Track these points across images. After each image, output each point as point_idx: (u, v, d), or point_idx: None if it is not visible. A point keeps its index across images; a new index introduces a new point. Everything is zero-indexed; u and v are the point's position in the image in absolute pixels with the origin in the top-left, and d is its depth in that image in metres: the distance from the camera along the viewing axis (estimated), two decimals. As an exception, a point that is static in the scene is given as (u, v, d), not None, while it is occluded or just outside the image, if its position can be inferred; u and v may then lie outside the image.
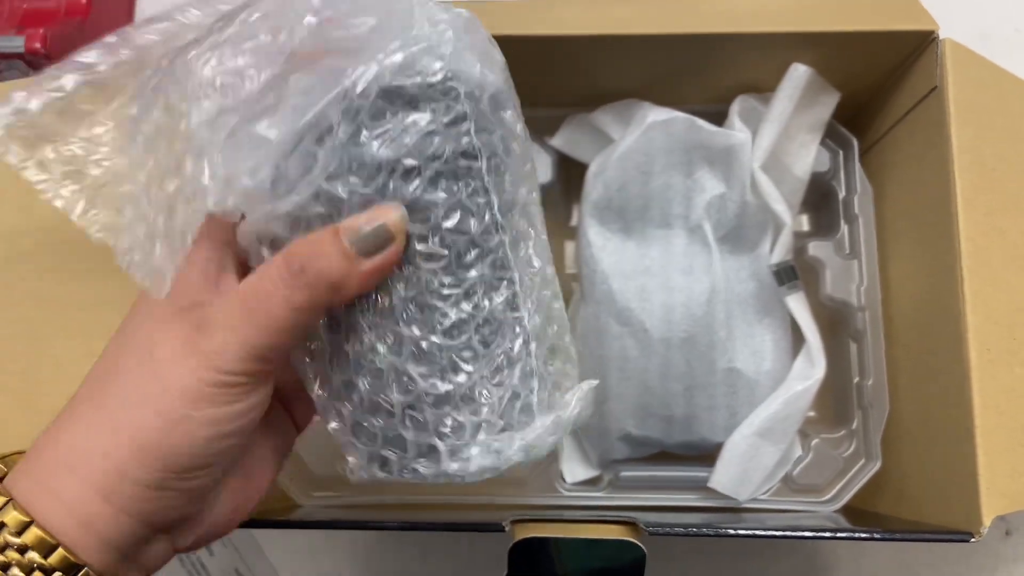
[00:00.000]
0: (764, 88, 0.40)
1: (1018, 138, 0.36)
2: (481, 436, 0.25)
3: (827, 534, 0.32)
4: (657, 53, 0.38)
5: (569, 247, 0.45)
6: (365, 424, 0.26)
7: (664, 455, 0.41)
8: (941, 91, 0.35)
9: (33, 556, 0.22)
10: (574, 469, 0.41)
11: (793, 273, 0.39)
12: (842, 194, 0.42)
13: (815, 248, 0.41)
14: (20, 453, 0.24)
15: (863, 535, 0.32)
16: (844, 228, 0.42)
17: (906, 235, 0.38)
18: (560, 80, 0.40)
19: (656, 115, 0.38)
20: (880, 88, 0.41)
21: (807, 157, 0.40)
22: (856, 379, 0.40)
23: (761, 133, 0.38)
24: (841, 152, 0.42)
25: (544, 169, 0.42)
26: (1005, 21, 0.54)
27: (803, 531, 0.32)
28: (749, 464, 0.37)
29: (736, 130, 0.39)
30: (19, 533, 0.22)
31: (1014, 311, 0.34)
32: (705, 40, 0.36)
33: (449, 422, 0.25)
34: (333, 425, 0.27)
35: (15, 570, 0.22)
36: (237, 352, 0.23)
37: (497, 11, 0.38)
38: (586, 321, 0.39)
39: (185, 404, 0.23)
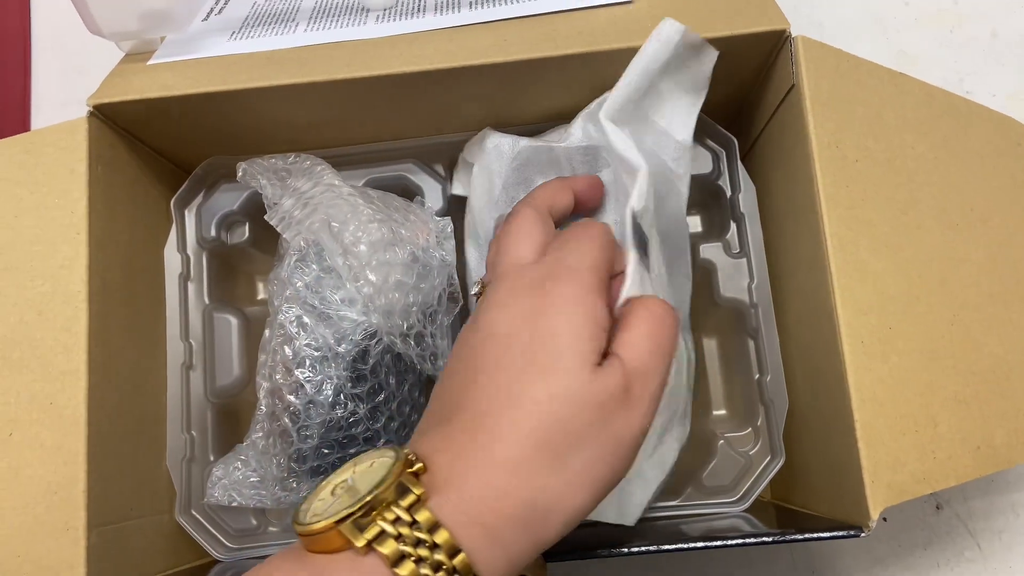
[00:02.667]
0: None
1: (880, 126, 0.36)
2: None
3: (716, 543, 0.32)
4: (517, 77, 0.38)
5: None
6: None
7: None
8: (798, 88, 0.35)
9: (441, 558, 0.23)
10: None
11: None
12: (728, 193, 0.42)
13: (706, 250, 0.41)
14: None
15: (751, 540, 0.33)
16: (733, 227, 0.42)
17: (787, 232, 0.39)
18: (433, 111, 0.40)
19: (497, 140, 0.39)
20: (752, 87, 0.41)
21: (687, 119, 0.38)
22: (757, 376, 0.41)
23: (616, 87, 0.36)
24: (724, 152, 0.42)
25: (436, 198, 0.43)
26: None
27: (687, 541, 0.33)
28: (624, 486, 0.36)
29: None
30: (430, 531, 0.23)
31: (886, 301, 0.34)
32: (564, 61, 0.37)
33: None
34: None
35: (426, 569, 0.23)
36: None
37: (359, 50, 0.38)
38: None
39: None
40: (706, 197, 0.44)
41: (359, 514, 0.23)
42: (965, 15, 0.55)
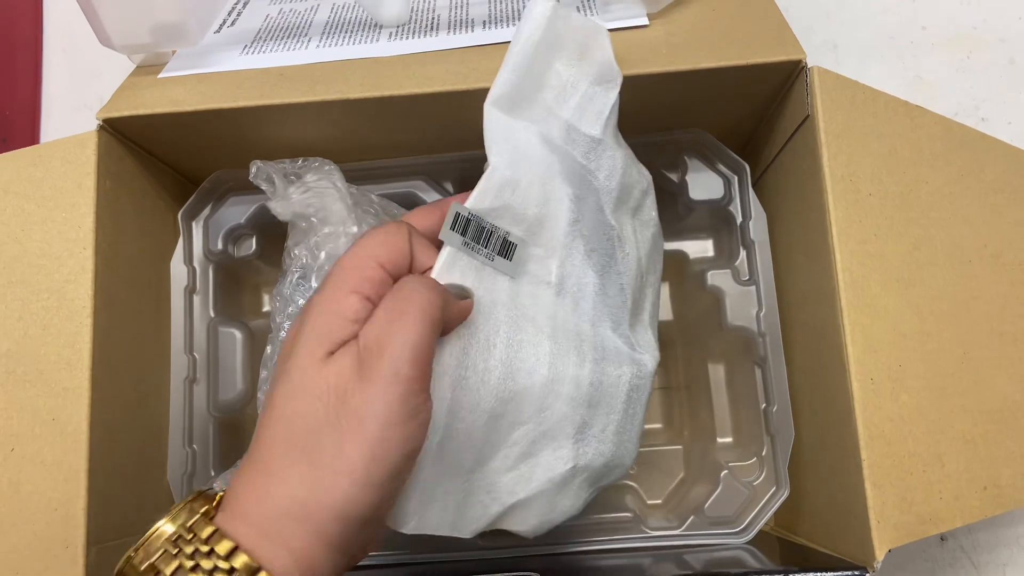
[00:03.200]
0: (648, 127, 0.40)
1: (894, 159, 0.35)
2: None
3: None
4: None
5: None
6: None
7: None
8: (813, 119, 0.35)
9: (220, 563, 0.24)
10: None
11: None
12: (739, 220, 0.41)
13: (713, 277, 0.41)
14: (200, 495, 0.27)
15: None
16: (742, 254, 0.41)
17: (797, 262, 0.38)
18: (444, 130, 0.40)
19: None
20: (765, 114, 0.40)
21: (600, 113, 0.34)
22: (763, 405, 0.40)
23: (499, 73, 0.32)
24: (736, 178, 0.42)
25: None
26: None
27: (690, 572, 0.32)
28: (463, 497, 0.33)
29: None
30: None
31: (897, 338, 0.34)
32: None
33: None
34: None
35: None
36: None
37: (372, 69, 0.38)
38: None
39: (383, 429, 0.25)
40: (717, 223, 0.43)
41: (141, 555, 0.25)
42: (983, 40, 0.54)
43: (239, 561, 0.24)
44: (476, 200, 0.31)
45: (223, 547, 0.24)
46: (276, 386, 0.27)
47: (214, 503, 0.26)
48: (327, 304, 0.27)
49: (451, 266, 0.30)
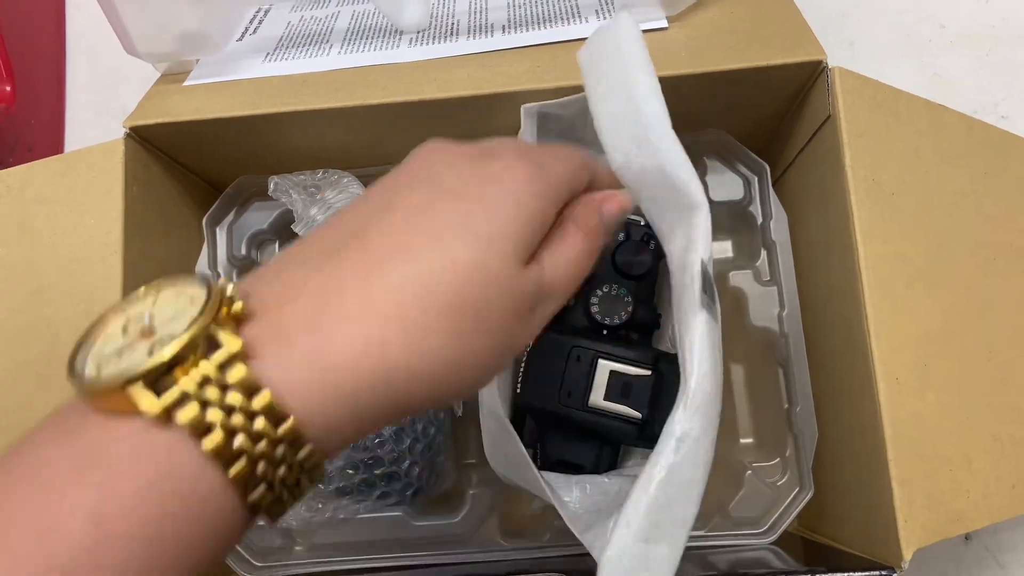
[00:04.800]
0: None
1: (917, 158, 0.35)
2: None
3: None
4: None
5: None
6: None
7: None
8: (834, 119, 0.35)
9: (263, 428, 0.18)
10: None
11: None
12: (759, 220, 0.42)
13: (735, 277, 0.41)
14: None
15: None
16: (763, 255, 0.41)
17: (819, 262, 0.38)
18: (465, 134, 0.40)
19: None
20: (786, 114, 0.41)
21: None
22: (786, 406, 0.40)
23: (649, 90, 0.29)
24: (756, 179, 0.42)
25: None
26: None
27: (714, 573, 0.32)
28: None
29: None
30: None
31: (922, 336, 0.34)
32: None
33: None
34: None
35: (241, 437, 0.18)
36: None
37: (390, 74, 0.38)
38: None
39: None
40: (737, 223, 0.43)
41: (154, 374, 0.18)
42: (1002, 38, 0.54)
43: (286, 428, 0.19)
44: (705, 248, 0.27)
45: (262, 402, 0.18)
46: (459, 236, 0.21)
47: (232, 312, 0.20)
48: (532, 203, 0.23)
49: (708, 336, 0.26)
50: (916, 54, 0.54)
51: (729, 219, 0.43)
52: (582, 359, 0.36)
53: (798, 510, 0.39)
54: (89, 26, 0.59)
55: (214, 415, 0.18)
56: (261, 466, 0.19)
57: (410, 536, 0.41)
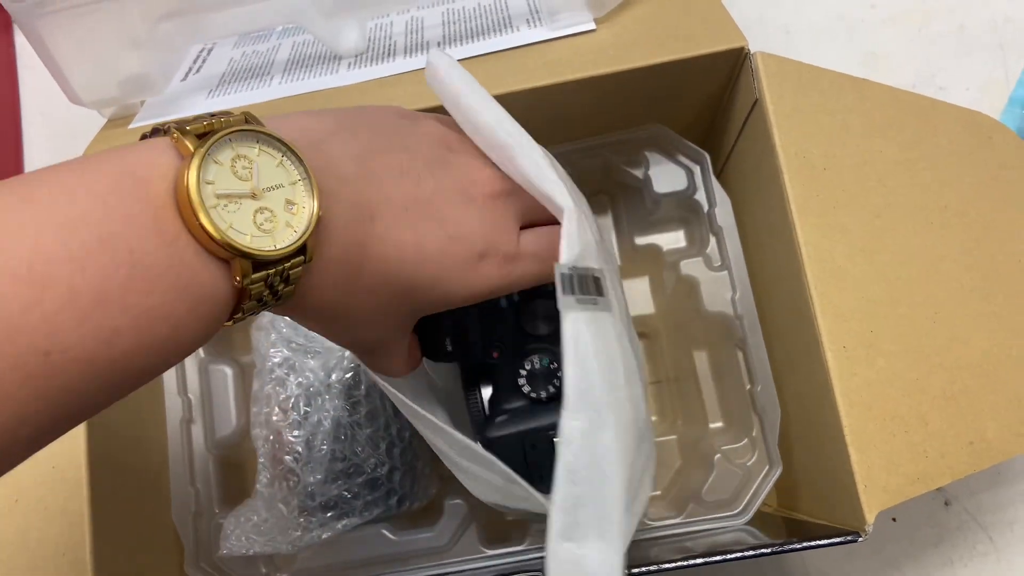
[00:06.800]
0: (611, 127, 0.41)
1: (846, 133, 0.36)
2: None
3: (716, 558, 0.33)
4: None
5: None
6: None
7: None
8: (761, 102, 0.36)
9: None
10: None
11: None
12: (706, 208, 0.42)
13: (687, 266, 0.42)
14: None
15: (749, 553, 0.33)
16: (712, 241, 0.42)
17: (764, 243, 0.39)
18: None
19: None
20: (720, 104, 0.42)
21: None
22: (748, 386, 0.41)
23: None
24: (699, 167, 0.43)
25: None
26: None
27: (688, 558, 0.33)
28: None
29: None
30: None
31: (866, 304, 0.34)
32: (533, 94, 0.37)
33: None
34: None
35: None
36: None
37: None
38: None
39: None
40: (685, 213, 0.44)
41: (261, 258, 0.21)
42: (932, 11, 0.56)
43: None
44: (568, 251, 0.27)
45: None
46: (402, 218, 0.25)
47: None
48: (495, 224, 0.27)
49: (580, 334, 0.26)
50: (850, 35, 0.56)
51: (677, 210, 0.44)
52: (538, 446, 0.33)
53: (768, 488, 0.39)
54: (41, 84, 0.60)
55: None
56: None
57: (391, 552, 0.41)
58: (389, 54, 0.42)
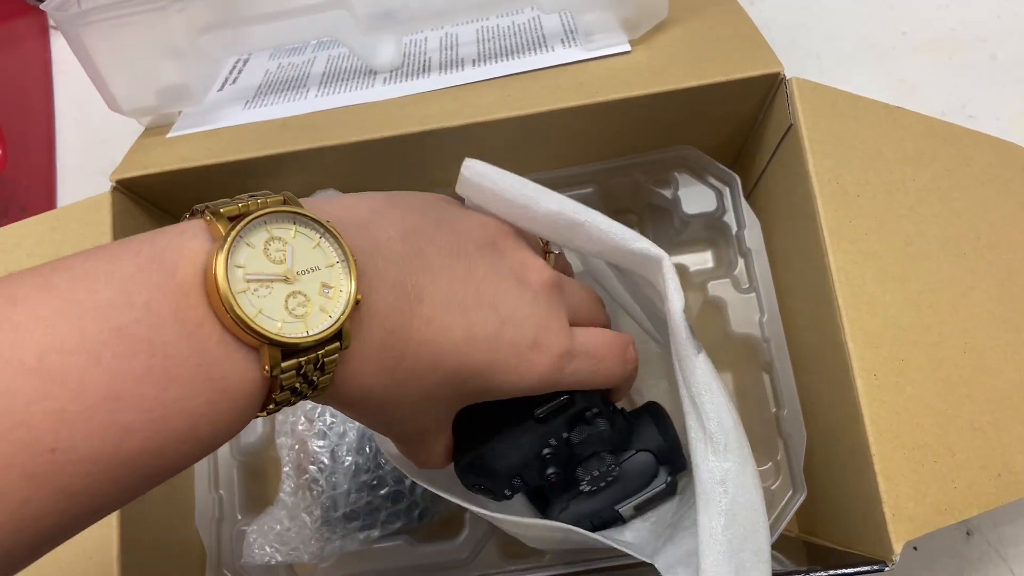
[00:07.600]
0: (642, 148, 0.41)
1: (879, 160, 0.36)
2: None
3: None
4: (522, 131, 0.39)
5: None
6: None
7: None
8: (796, 128, 0.36)
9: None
10: None
11: None
12: (734, 230, 0.42)
13: (715, 287, 0.42)
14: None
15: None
16: (741, 263, 0.42)
17: (794, 267, 0.39)
18: (442, 166, 0.42)
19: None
20: (752, 127, 0.42)
21: None
22: (774, 409, 0.41)
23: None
24: (728, 189, 0.43)
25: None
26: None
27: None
28: None
29: None
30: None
31: (897, 332, 0.34)
32: (567, 113, 0.38)
33: None
34: None
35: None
36: None
37: (368, 113, 0.39)
38: None
39: None
40: (713, 234, 0.44)
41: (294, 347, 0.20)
42: (963, 40, 0.56)
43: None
44: (679, 299, 0.28)
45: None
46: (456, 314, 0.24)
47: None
48: (549, 313, 0.27)
49: (711, 376, 0.28)
50: (881, 62, 0.56)
51: (705, 231, 0.44)
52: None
53: (791, 513, 0.39)
54: (76, 89, 0.61)
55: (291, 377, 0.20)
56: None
57: (412, 564, 0.41)
58: (424, 70, 0.42)
